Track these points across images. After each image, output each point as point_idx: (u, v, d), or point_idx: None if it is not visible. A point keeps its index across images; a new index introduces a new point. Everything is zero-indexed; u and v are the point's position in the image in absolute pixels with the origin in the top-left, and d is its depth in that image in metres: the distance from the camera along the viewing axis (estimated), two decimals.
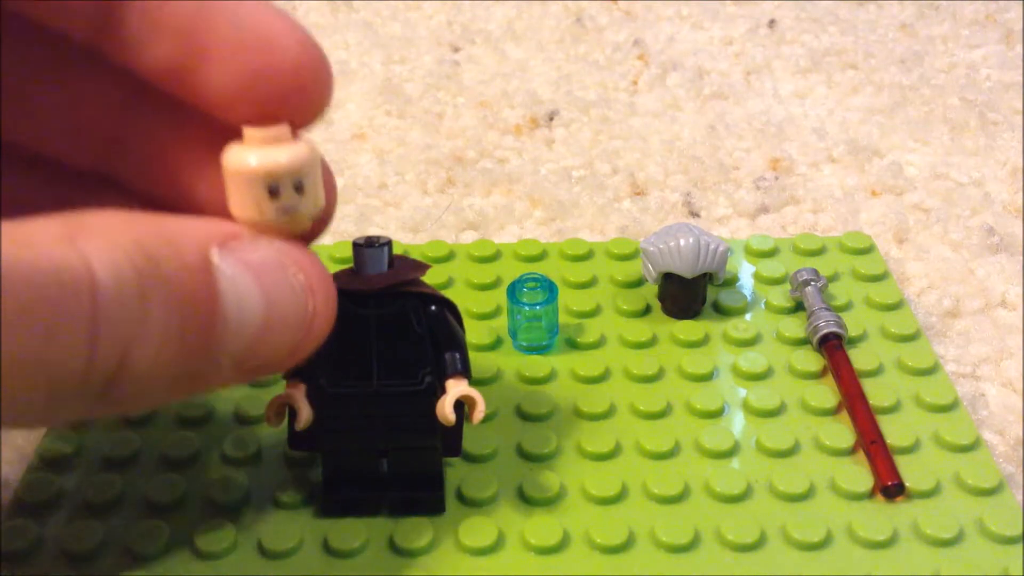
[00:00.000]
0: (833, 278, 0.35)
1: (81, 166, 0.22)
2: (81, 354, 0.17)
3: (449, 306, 0.25)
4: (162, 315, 0.18)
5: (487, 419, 0.28)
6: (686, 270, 0.32)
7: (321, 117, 0.20)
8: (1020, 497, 0.27)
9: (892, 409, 0.29)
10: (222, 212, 0.20)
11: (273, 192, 0.19)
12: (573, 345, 0.32)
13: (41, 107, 0.21)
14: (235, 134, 0.20)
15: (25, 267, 0.16)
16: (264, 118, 0.19)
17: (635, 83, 0.51)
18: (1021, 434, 0.30)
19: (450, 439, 0.26)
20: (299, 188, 0.19)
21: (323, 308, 0.20)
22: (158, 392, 0.19)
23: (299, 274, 0.20)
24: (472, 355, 0.26)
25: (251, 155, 0.19)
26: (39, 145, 0.22)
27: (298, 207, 0.19)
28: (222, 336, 0.19)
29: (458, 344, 0.25)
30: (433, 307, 0.25)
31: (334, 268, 0.26)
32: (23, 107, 0.21)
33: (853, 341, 0.32)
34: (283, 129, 0.19)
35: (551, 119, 0.47)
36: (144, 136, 0.22)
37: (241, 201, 0.19)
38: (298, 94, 0.19)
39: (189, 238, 0.18)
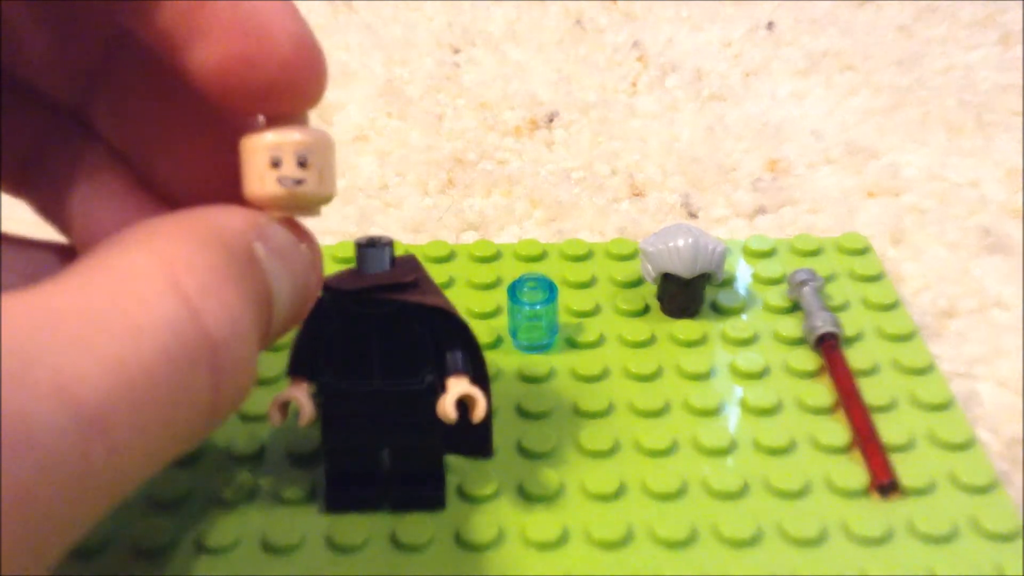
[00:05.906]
0: (830, 278, 0.35)
1: (57, 96, 0.22)
2: (204, 409, 0.17)
3: (448, 316, 0.25)
4: (256, 338, 0.18)
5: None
6: (685, 270, 0.32)
7: (310, 108, 0.20)
8: (1014, 495, 0.28)
9: (887, 408, 0.30)
10: (176, 188, 0.21)
11: (275, 163, 0.19)
12: (573, 344, 0.32)
13: (29, 26, 0.20)
14: (217, 118, 0.20)
15: (147, 345, 0.15)
16: (247, 106, 0.19)
17: (634, 85, 0.52)
18: (1015, 432, 0.30)
19: (481, 439, 0.27)
20: (303, 163, 0.19)
21: (320, 278, 0.21)
22: None
23: (307, 252, 0.20)
24: None
25: (261, 130, 0.20)
26: (19, 66, 0.21)
27: (303, 183, 0.19)
28: (272, 328, 0.19)
29: (464, 342, 0.25)
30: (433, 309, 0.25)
31: (336, 268, 0.27)
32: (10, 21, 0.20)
33: (849, 341, 0.32)
34: (295, 116, 0.20)
35: (551, 121, 0.48)
36: (125, 84, 0.22)
37: (248, 174, 0.20)
38: (285, 89, 0.19)
39: (237, 235, 0.18)
